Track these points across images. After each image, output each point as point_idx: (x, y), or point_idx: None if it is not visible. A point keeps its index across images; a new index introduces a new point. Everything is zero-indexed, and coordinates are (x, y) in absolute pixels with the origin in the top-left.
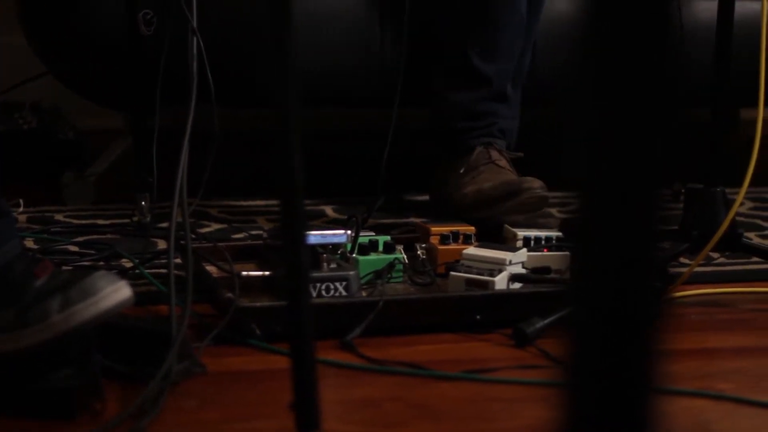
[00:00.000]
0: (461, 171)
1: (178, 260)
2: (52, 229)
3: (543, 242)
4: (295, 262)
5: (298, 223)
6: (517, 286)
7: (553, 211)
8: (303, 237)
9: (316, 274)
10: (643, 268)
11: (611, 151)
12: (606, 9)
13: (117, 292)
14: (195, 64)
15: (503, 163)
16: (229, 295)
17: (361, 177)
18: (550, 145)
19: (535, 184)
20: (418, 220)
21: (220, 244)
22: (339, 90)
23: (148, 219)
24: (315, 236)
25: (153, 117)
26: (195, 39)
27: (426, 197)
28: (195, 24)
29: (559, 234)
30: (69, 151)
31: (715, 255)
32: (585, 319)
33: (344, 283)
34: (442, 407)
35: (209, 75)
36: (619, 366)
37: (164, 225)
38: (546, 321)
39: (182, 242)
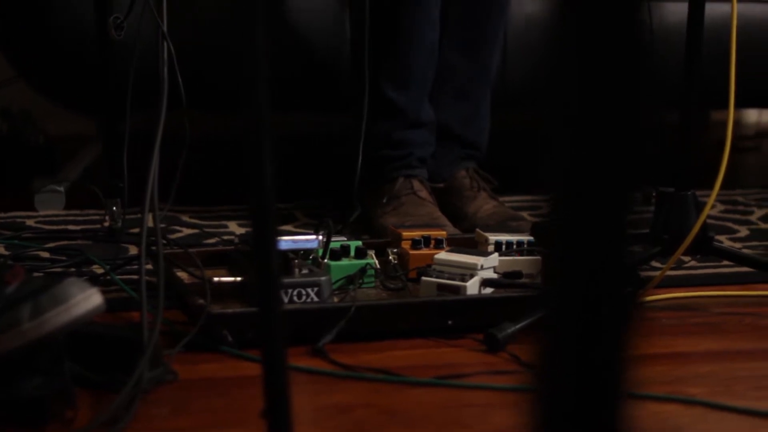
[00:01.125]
0: (384, 200)
1: (150, 266)
2: (23, 235)
3: (514, 246)
4: (266, 267)
5: (269, 228)
6: (489, 290)
7: (525, 214)
8: (274, 242)
9: (287, 280)
10: (613, 272)
11: (582, 155)
12: (577, 12)
13: (88, 300)
14: (165, 69)
15: (424, 194)
16: (201, 301)
17: (333, 183)
18: (521, 147)
19: (447, 222)
20: (391, 225)
21: (191, 249)
22: (311, 94)
23: (120, 224)
24: (286, 242)
25: (124, 122)
26: (165, 44)
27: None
28: (165, 28)
29: (530, 238)
30: (39, 156)
31: (686, 258)
32: (556, 324)
33: (316, 289)
34: (414, 413)
35: (179, 80)
36: (590, 371)
37: (135, 231)
38: (517, 326)
39: (153, 248)
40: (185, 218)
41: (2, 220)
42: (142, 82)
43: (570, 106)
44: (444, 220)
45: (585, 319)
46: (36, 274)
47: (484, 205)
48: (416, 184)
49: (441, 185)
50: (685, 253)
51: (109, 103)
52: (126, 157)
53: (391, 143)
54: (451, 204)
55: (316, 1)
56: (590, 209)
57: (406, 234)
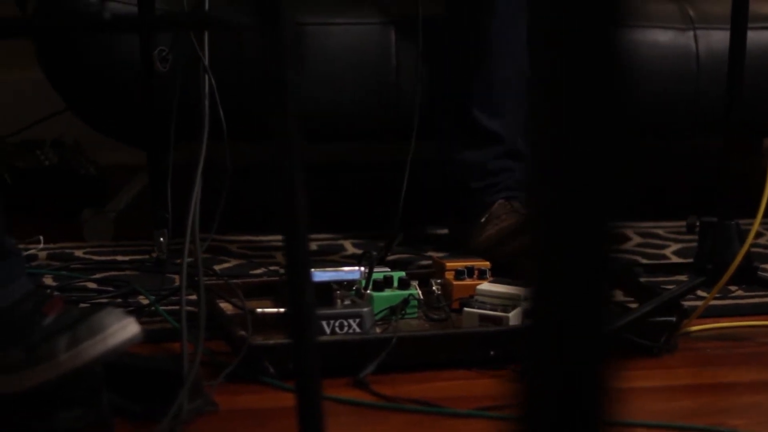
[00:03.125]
0: (482, 220)
1: (194, 297)
2: (71, 266)
3: None
4: (300, 298)
5: (302, 259)
6: None
7: None
8: (307, 273)
9: (328, 311)
10: (594, 305)
11: (563, 188)
12: (555, 43)
13: (124, 329)
14: (207, 102)
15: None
16: (242, 332)
17: (381, 212)
18: None
19: None
20: (436, 255)
21: (236, 280)
22: (355, 124)
23: (166, 255)
24: (328, 273)
25: (170, 153)
26: (207, 77)
27: (445, 230)
28: (207, 62)
29: None
30: (90, 187)
31: (733, 288)
32: (538, 357)
33: (358, 320)
34: None
35: (221, 112)
36: (572, 403)
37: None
38: None
39: (196, 278)
40: (233, 249)
41: (52, 251)
42: (189, 113)
43: (551, 137)
44: None
45: (567, 352)
46: (82, 305)
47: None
48: (516, 204)
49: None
50: (729, 283)
51: (155, 135)
52: (171, 188)
53: (487, 172)
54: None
55: (362, 36)
56: (571, 242)
57: (449, 264)
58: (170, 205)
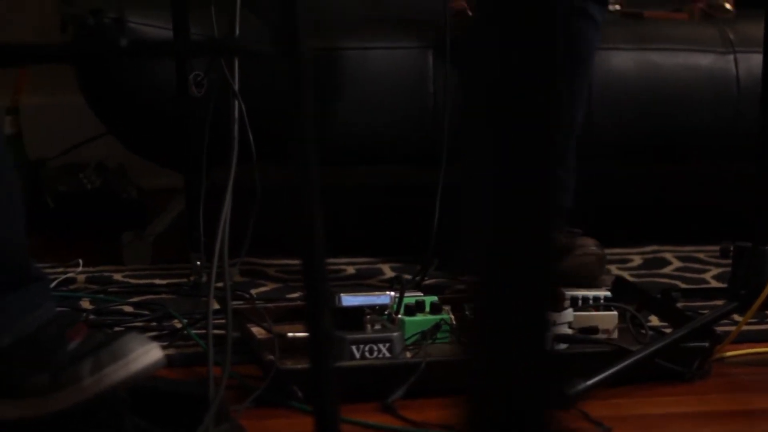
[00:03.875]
0: None
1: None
2: (108, 289)
3: (591, 302)
4: (319, 323)
5: (320, 284)
6: (562, 346)
7: (612, 267)
8: (325, 298)
9: (358, 336)
10: (534, 330)
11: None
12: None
13: (147, 354)
14: (236, 125)
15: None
16: (270, 356)
17: (420, 236)
18: (609, 198)
19: (588, 242)
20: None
21: (269, 304)
22: (394, 148)
23: (203, 279)
24: (358, 298)
25: (207, 176)
26: (236, 101)
27: None
28: (236, 87)
29: (608, 294)
30: (130, 210)
31: (767, 313)
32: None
33: (387, 345)
34: None
35: (250, 135)
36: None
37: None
38: (588, 382)
39: (235, 302)
40: (271, 272)
41: (90, 274)
42: (226, 137)
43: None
44: (577, 241)
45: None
46: (117, 329)
47: (570, 260)
48: None
49: (580, 231)
50: (764, 308)
51: (191, 158)
52: (210, 211)
53: None
54: None
55: (399, 61)
56: (508, 283)
57: None
58: (202, 228)
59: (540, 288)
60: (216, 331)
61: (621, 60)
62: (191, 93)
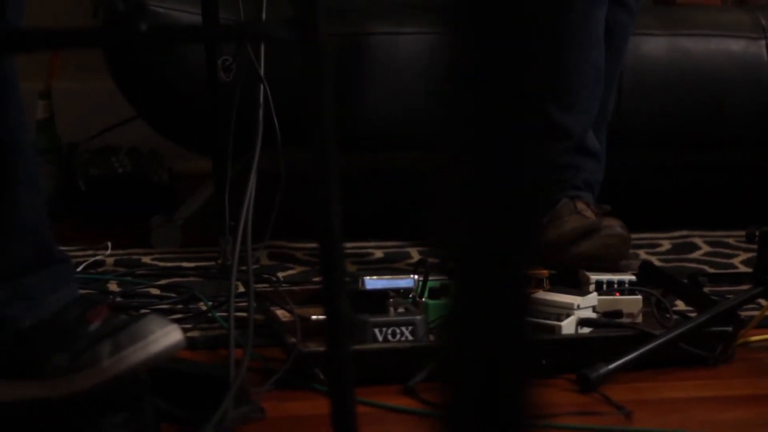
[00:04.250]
0: (544, 221)
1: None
2: (136, 272)
3: (615, 286)
4: (334, 306)
5: (336, 267)
6: (586, 330)
7: (641, 252)
8: (341, 281)
9: (381, 319)
10: (511, 320)
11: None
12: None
13: (167, 336)
14: (262, 111)
15: (589, 213)
16: (293, 339)
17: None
18: (638, 187)
19: (614, 222)
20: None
21: (295, 287)
22: (423, 133)
23: (230, 262)
24: (382, 281)
25: (236, 160)
26: (262, 86)
27: None
28: (262, 72)
29: (633, 278)
30: (161, 194)
31: None
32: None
33: (410, 328)
34: None
35: (275, 120)
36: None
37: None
38: (611, 366)
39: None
40: (299, 256)
41: (119, 257)
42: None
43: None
44: (603, 222)
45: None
46: (143, 311)
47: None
48: (580, 205)
49: (609, 207)
50: None
51: (220, 142)
52: (232, 196)
53: (555, 167)
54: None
55: (430, 45)
56: (485, 263)
57: None
58: (228, 212)
59: (519, 271)
60: (239, 314)
61: (652, 46)
62: (220, 78)
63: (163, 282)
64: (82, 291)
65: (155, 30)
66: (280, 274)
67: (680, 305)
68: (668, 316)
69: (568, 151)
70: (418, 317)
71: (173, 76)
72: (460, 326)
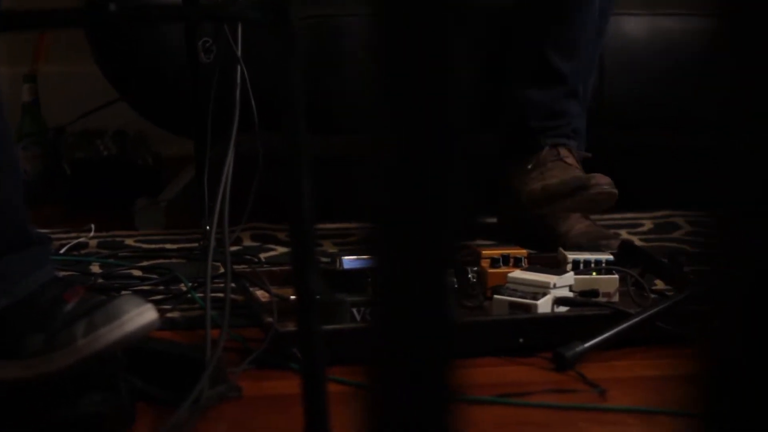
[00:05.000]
0: (528, 167)
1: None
2: (119, 254)
3: (592, 265)
4: (305, 287)
5: (307, 246)
6: (562, 309)
7: (622, 232)
8: (312, 261)
9: (359, 298)
10: (436, 302)
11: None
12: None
13: (141, 315)
14: (239, 92)
15: (571, 160)
16: (269, 319)
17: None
18: (620, 167)
19: (603, 180)
20: (477, 244)
21: (276, 268)
22: None
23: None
24: (360, 261)
25: (219, 143)
26: (239, 67)
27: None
28: (239, 53)
29: (610, 257)
30: (146, 177)
31: None
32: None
33: None
34: (471, 431)
35: (252, 101)
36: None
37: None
38: (586, 345)
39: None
40: (282, 237)
41: (103, 239)
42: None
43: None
44: (592, 180)
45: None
46: (124, 292)
47: (577, 224)
48: (563, 152)
49: (589, 155)
50: None
51: (201, 125)
52: (214, 178)
53: (550, 113)
54: (543, 222)
55: None
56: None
57: (485, 252)
58: (207, 194)
59: (440, 253)
60: (217, 294)
61: (633, 26)
62: (200, 60)
63: (145, 263)
64: (64, 273)
65: (124, 10)
66: (262, 255)
67: (660, 284)
68: (646, 295)
69: (561, 98)
70: None
71: (154, 58)
72: (384, 306)
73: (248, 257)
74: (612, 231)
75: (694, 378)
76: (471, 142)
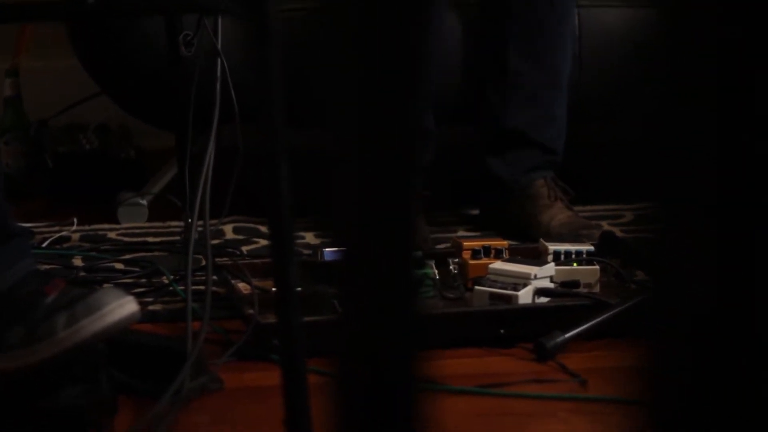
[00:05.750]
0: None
1: (214, 277)
2: (101, 248)
3: (573, 256)
4: (284, 278)
5: (286, 240)
6: (543, 300)
7: (603, 223)
8: (291, 254)
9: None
10: (401, 296)
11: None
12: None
13: (122, 307)
14: (219, 85)
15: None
16: (251, 311)
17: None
18: (597, 158)
19: (561, 214)
20: (458, 236)
21: (258, 260)
22: None
23: (196, 237)
24: (336, 253)
25: (201, 136)
26: (220, 60)
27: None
28: (219, 45)
29: (591, 248)
30: (129, 171)
31: None
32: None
33: None
34: (450, 421)
35: (233, 94)
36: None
37: (215, 242)
38: (567, 335)
39: (224, 259)
40: (264, 230)
41: (85, 233)
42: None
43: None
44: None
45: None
46: (106, 285)
47: (558, 214)
48: (554, 189)
49: (572, 193)
50: None
51: (181, 118)
52: (196, 171)
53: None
54: (525, 212)
55: None
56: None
57: (466, 244)
58: (188, 187)
59: (404, 247)
60: (198, 287)
61: (611, 17)
62: (181, 53)
63: (127, 257)
64: (46, 266)
65: (104, 3)
66: (245, 248)
67: (640, 275)
68: (627, 285)
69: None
70: None
71: (135, 52)
72: (350, 303)
73: (230, 250)
74: (593, 222)
75: (643, 370)
76: (453, 134)
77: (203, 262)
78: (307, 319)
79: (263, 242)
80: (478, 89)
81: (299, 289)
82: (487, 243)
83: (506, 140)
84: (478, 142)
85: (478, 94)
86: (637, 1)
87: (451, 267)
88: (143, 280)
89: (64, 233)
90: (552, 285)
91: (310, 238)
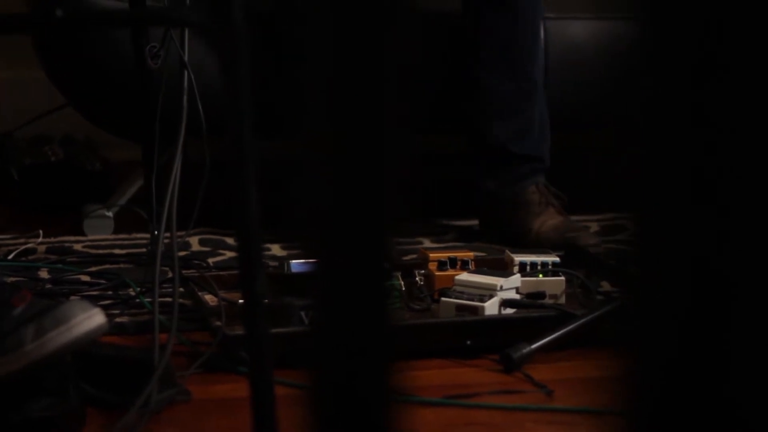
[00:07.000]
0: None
1: (181, 289)
2: (67, 260)
3: (539, 267)
4: (252, 290)
5: (253, 252)
6: (509, 311)
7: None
8: (259, 266)
9: (306, 302)
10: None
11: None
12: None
13: (90, 319)
14: (186, 97)
15: (556, 209)
16: (218, 323)
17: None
18: (561, 168)
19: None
20: (426, 246)
21: (224, 272)
22: None
23: (162, 249)
24: (308, 264)
25: (167, 148)
26: (186, 72)
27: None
28: (186, 57)
29: (556, 259)
30: (94, 182)
31: None
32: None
33: None
34: None
35: (200, 107)
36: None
37: (182, 254)
38: (533, 346)
39: (191, 272)
40: (231, 242)
41: (51, 245)
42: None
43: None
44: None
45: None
46: (73, 298)
47: (549, 220)
48: (546, 194)
49: (565, 199)
50: None
51: (148, 131)
52: (162, 184)
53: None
54: (518, 220)
55: None
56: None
57: (433, 255)
58: (154, 200)
59: (378, 260)
60: (165, 299)
61: (578, 29)
62: (148, 65)
63: (93, 269)
64: (12, 279)
65: (71, 16)
66: (211, 260)
67: (606, 286)
68: (592, 296)
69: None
70: None
71: (102, 63)
72: (322, 312)
73: (196, 262)
74: (581, 224)
75: (618, 378)
76: (449, 143)
77: (170, 274)
78: (274, 330)
79: (229, 254)
80: (457, 103)
81: (266, 300)
82: (453, 254)
83: (490, 155)
84: (454, 154)
85: (457, 109)
86: (602, 13)
87: (417, 278)
88: (110, 293)
89: (29, 245)
90: (518, 296)
91: (276, 249)
